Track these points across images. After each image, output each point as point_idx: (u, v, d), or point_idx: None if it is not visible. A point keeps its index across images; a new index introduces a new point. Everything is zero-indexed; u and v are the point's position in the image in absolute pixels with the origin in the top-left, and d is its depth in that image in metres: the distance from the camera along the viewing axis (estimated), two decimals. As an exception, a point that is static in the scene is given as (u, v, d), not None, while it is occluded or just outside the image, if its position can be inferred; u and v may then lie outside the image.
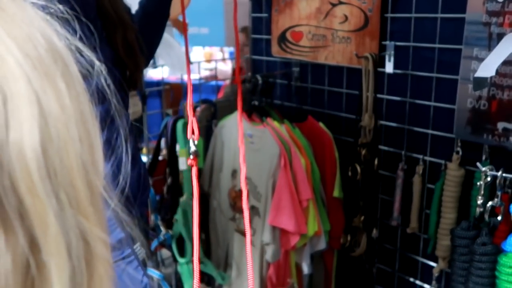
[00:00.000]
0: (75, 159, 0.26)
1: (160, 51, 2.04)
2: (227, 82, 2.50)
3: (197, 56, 4.66)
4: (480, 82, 1.30)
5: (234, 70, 2.93)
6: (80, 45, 0.31)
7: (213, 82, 2.93)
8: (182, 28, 2.10)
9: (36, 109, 0.24)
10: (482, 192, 1.29)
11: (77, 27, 0.34)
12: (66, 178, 0.25)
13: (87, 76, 0.31)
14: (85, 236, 0.26)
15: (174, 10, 1.99)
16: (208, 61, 3.84)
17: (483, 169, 1.29)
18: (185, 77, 2.14)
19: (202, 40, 2.87)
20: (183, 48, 2.34)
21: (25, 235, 0.23)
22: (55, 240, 0.24)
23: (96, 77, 0.33)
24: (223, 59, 3.83)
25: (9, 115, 0.23)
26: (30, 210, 0.23)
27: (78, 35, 0.31)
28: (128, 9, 1.34)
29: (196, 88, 2.22)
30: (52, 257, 0.24)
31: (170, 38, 1.96)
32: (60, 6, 0.33)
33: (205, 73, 3.61)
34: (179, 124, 1.83)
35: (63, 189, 0.25)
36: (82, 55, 0.31)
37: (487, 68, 1.24)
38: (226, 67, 3.76)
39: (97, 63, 0.32)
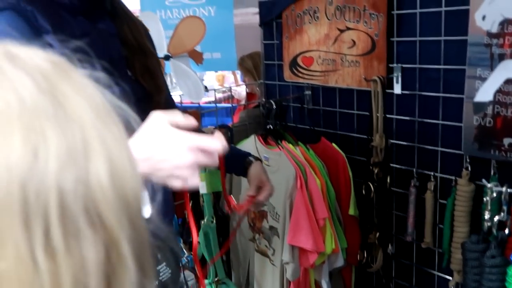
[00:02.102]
0: (131, 183, 0.38)
1: (177, 80, 2.14)
2: (242, 104, 2.58)
3: (210, 79, 4.78)
4: (480, 106, 1.38)
5: (248, 94, 3.01)
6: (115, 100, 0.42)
7: (228, 105, 3.02)
8: (198, 57, 2.20)
9: (104, 149, 0.36)
10: (489, 207, 1.34)
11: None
12: (125, 195, 0.37)
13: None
14: (137, 228, 0.38)
15: (190, 42, 2.09)
16: (223, 86, 3.94)
17: (489, 185, 1.35)
18: (201, 102, 2.23)
19: (215, 65, 2.96)
20: (199, 74, 2.43)
21: (105, 234, 0.35)
22: (124, 236, 0.36)
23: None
24: (238, 85, 3.93)
25: (89, 154, 0.35)
26: (107, 219, 0.35)
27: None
28: (149, 36, 1.30)
29: (213, 112, 2.31)
30: (124, 248, 0.36)
31: (186, 68, 2.06)
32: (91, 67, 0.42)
33: (218, 95, 3.71)
34: (198, 150, 1.90)
35: (124, 203, 0.37)
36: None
37: (485, 93, 1.32)
38: (241, 89, 3.85)
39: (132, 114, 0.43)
